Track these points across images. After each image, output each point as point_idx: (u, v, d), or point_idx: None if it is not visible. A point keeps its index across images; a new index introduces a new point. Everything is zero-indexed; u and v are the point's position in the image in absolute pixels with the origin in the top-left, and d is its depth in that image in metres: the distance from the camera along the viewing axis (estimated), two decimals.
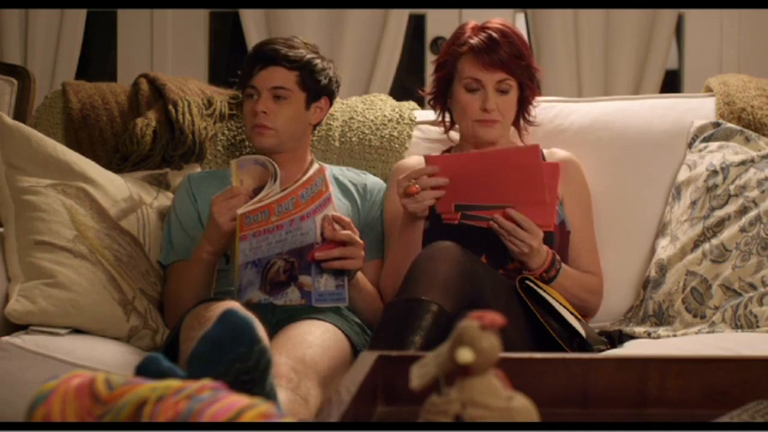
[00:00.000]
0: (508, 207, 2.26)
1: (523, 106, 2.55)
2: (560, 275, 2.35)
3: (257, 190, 2.26)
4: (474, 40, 2.45)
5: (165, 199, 2.60)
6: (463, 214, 2.28)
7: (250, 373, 1.50)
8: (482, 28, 2.48)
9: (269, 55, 2.48)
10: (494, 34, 2.45)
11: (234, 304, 1.85)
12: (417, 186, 2.25)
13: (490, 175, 2.26)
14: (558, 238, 2.42)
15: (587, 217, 2.56)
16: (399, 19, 3.45)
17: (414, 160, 2.60)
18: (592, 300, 2.49)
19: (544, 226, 2.27)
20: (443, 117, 2.62)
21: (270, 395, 1.54)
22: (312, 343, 2.11)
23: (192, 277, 2.34)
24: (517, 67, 2.46)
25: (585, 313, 2.47)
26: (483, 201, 2.27)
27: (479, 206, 2.28)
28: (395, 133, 2.76)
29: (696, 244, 2.45)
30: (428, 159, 2.31)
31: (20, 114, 2.81)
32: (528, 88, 2.51)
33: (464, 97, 2.48)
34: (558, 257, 2.35)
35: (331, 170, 2.61)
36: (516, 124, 2.59)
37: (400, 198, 2.28)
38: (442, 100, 2.58)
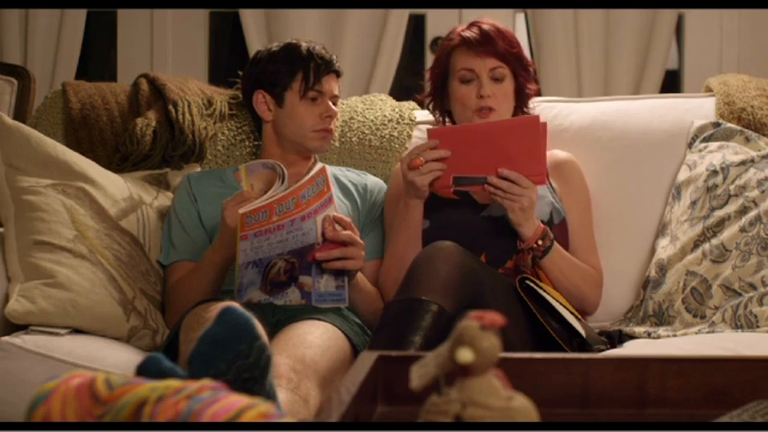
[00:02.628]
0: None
1: (521, 98, 2.56)
2: (554, 249, 2.36)
3: None
4: (466, 33, 2.51)
5: (165, 199, 2.60)
6: (457, 181, 2.31)
7: (251, 371, 1.51)
8: (473, 24, 2.53)
9: (330, 61, 2.55)
10: (484, 26, 2.50)
11: (233, 303, 1.85)
12: (421, 158, 2.29)
13: (490, 146, 2.30)
14: (559, 237, 2.43)
15: (586, 216, 2.56)
16: (399, 19, 3.45)
17: None
18: (590, 291, 2.47)
19: (534, 177, 2.30)
20: (443, 120, 2.62)
21: (270, 392, 1.54)
22: (312, 343, 2.11)
23: (204, 279, 2.34)
24: (509, 55, 2.49)
25: (583, 308, 2.47)
26: (481, 173, 2.31)
27: (477, 178, 2.31)
28: (395, 133, 2.76)
29: (696, 244, 2.45)
30: (431, 132, 2.35)
31: (20, 114, 2.81)
32: (523, 78, 2.53)
33: (460, 89, 2.50)
34: (549, 231, 2.37)
35: (332, 170, 2.61)
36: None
37: (405, 174, 2.32)
38: (439, 101, 2.59)
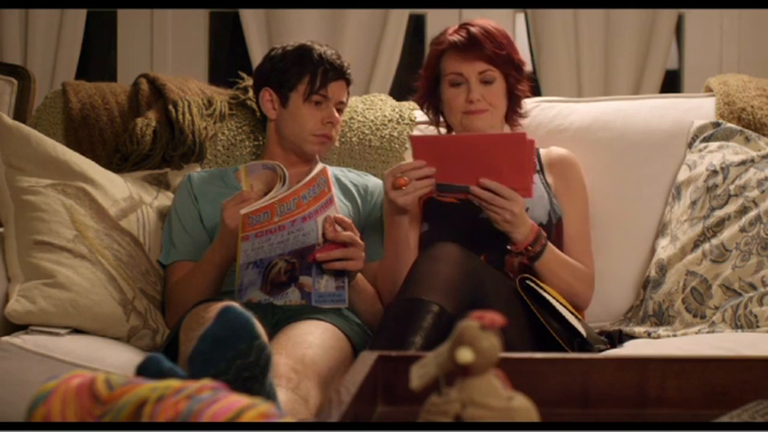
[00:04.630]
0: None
1: (513, 99, 2.55)
2: (546, 251, 2.33)
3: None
4: (453, 38, 2.50)
5: (165, 199, 2.60)
6: (439, 188, 2.27)
7: (251, 369, 1.51)
8: (462, 27, 2.53)
9: (340, 67, 2.54)
10: (473, 29, 2.50)
11: (232, 302, 1.86)
12: (405, 178, 2.25)
13: (473, 157, 2.25)
14: (555, 236, 2.43)
15: (581, 213, 2.55)
16: (399, 19, 3.45)
17: None
18: (582, 289, 2.45)
19: (521, 191, 2.26)
20: (437, 119, 2.63)
21: (270, 392, 1.54)
22: (312, 343, 2.11)
23: (203, 279, 2.34)
24: (497, 57, 2.48)
25: (575, 303, 2.45)
26: (464, 182, 2.26)
27: (460, 186, 2.27)
28: (395, 133, 2.76)
29: (696, 244, 2.45)
30: (413, 139, 2.30)
31: (20, 114, 2.81)
32: (514, 79, 2.52)
33: (449, 93, 2.51)
34: (543, 233, 2.34)
35: (332, 171, 2.61)
36: (508, 118, 2.59)
37: (387, 192, 2.27)
38: (432, 102, 2.61)
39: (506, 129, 2.64)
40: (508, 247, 2.33)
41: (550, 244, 2.36)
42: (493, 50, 2.47)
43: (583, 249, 2.52)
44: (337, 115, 2.54)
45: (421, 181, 2.25)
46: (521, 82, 2.55)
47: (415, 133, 2.77)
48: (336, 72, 2.53)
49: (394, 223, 2.34)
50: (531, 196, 2.31)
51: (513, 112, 2.58)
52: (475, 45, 2.48)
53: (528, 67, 2.59)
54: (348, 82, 2.57)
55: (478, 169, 2.25)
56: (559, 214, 2.48)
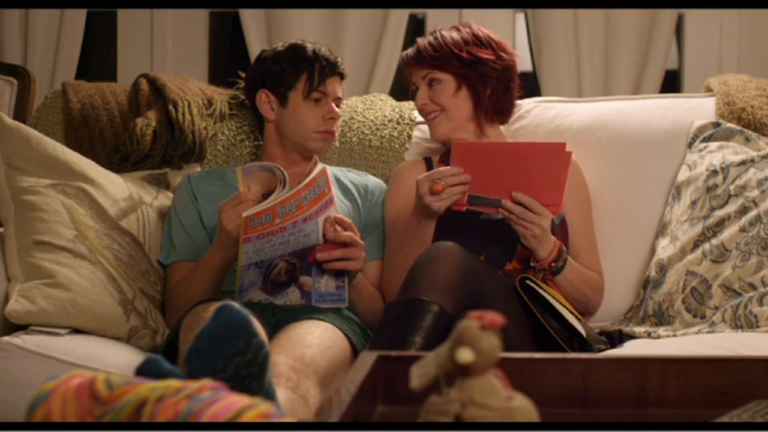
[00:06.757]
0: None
1: (477, 99, 2.52)
2: (567, 267, 2.36)
3: (266, 195, 2.26)
4: (404, 53, 2.60)
5: (165, 199, 2.60)
6: (471, 200, 2.28)
7: (249, 367, 1.50)
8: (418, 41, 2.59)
9: (335, 62, 2.55)
10: (420, 39, 2.57)
11: (230, 301, 1.86)
12: (443, 183, 2.26)
13: (511, 166, 2.27)
14: (560, 237, 2.43)
15: (587, 215, 2.57)
16: (399, 19, 3.45)
17: (414, 163, 2.61)
18: (594, 297, 2.50)
19: (552, 207, 2.27)
20: None
21: (269, 391, 1.53)
22: (312, 342, 2.11)
23: (203, 280, 2.33)
24: (435, 59, 2.51)
25: (586, 310, 2.48)
26: (498, 194, 2.27)
27: (492, 200, 2.28)
28: (395, 134, 2.76)
29: (696, 244, 2.45)
30: (456, 144, 2.31)
31: (20, 114, 2.81)
32: (468, 77, 2.50)
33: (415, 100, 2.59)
34: (565, 248, 2.36)
35: (332, 171, 2.61)
36: (487, 120, 2.56)
37: (423, 196, 2.27)
38: None
39: (508, 133, 2.64)
40: (532, 263, 2.34)
41: (570, 260, 2.38)
42: (430, 54, 2.51)
43: (592, 256, 2.54)
44: (337, 109, 2.54)
45: (456, 187, 2.27)
46: (485, 79, 2.51)
47: (417, 132, 2.77)
48: (332, 67, 2.54)
49: (422, 225, 2.34)
50: (559, 214, 2.32)
51: (488, 111, 2.53)
52: (418, 55, 2.54)
53: (492, 61, 2.53)
54: (342, 77, 2.58)
55: (512, 179, 2.26)
56: (563, 215, 2.48)
